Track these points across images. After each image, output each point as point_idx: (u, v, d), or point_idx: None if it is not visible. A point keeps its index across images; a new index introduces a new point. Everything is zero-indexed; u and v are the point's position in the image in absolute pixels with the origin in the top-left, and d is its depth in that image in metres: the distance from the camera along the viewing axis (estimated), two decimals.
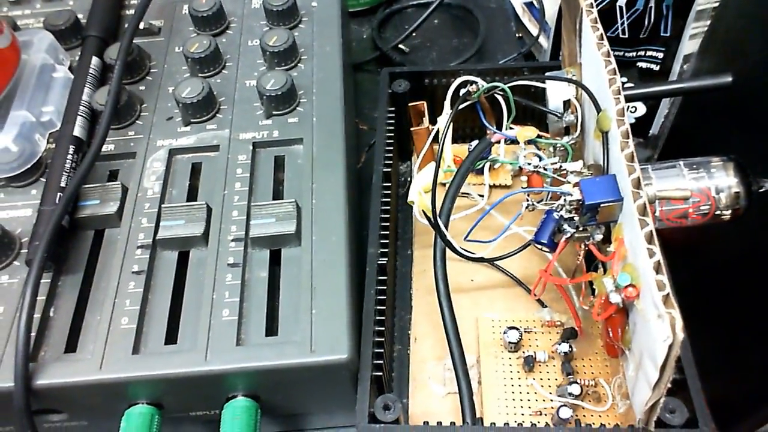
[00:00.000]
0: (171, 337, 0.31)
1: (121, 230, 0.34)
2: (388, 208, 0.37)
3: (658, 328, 0.21)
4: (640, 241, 0.23)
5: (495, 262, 0.37)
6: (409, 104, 0.42)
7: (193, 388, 0.30)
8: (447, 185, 0.36)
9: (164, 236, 0.33)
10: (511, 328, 0.35)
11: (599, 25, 0.30)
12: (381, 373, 0.31)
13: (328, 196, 0.35)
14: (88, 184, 0.35)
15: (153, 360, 0.29)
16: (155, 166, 0.36)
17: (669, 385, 0.23)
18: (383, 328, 0.33)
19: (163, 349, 0.30)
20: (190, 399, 0.31)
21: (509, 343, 0.35)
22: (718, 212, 0.32)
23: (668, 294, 0.21)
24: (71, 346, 0.31)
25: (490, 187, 0.43)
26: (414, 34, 0.57)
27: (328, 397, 0.32)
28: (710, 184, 0.31)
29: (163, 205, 0.34)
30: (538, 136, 0.36)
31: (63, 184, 0.34)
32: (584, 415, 0.32)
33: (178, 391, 0.30)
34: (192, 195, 0.36)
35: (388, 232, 0.36)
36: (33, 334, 0.30)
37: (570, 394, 0.32)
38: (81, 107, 0.38)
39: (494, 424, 0.30)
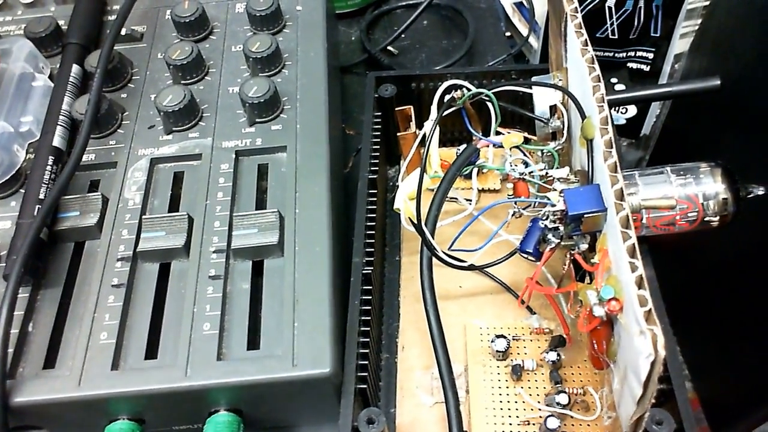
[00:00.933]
0: (151, 352, 0.30)
1: (101, 242, 0.34)
2: (374, 215, 0.37)
3: (641, 344, 0.21)
4: (622, 254, 0.22)
5: (483, 269, 0.37)
6: (396, 109, 0.42)
7: (173, 404, 0.29)
8: (434, 191, 0.36)
9: (145, 248, 0.33)
10: (499, 336, 0.34)
11: (583, 31, 0.29)
12: (365, 386, 0.30)
13: (311, 205, 0.34)
14: (68, 196, 0.35)
15: (132, 376, 0.29)
16: (136, 176, 0.36)
17: (653, 401, 0.22)
18: (368, 340, 0.32)
19: (143, 365, 0.30)
20: (172, 414, 0.31)
21: (497, 351, 0.34)
22: (706, 219, 0.31)
23: (650, 310, 0.20)
24: (50, 362, 0.30)
25: (479, 191, 0.42)
26: (403, 36, 0.56)
27: (312, 410, 0.32)
28: (698, 191, 0.30)
29: (143, 217, 0.34)
30: (525, 141, 0.35)
31: (42, 196, 0.34)
32: (572, 425, 0.32)
33: (158, 407, 0.30)
34: (174, 205, 0.35)
35: (374, 240, 0.36)
36: (11, 350, 0.30)
37: (558, 403, 0.32)
38: (61, 117, 0.37)
39: None
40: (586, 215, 0.26)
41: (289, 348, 0.29)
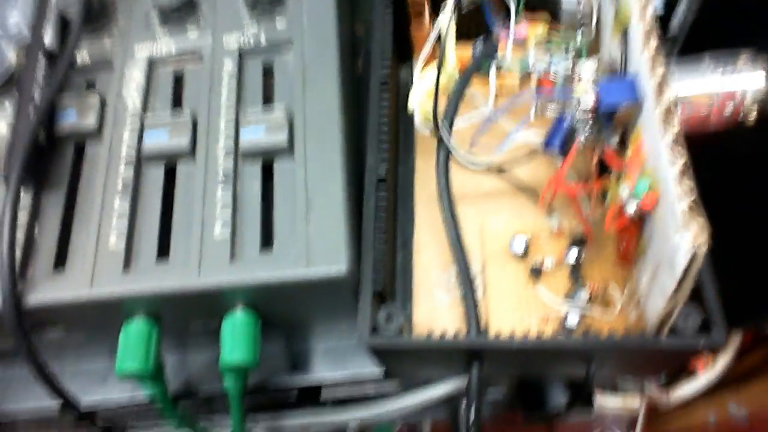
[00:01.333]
0: (162, 254, 0.30)
1: (102, 145, 0.32)
2: (387, 115, 0.35)
3: (680, 239, 0.19)
4: (662, 146, 0.21)
5: (502, 170, 0.36)
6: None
7: (188, 303, 0.29)
8: (450, 90, 0.34)
9: (148, 149, 0.31)
10: (517, 236, 0.34)
11: None
12: (382, 284, 0.30)
13: (321, 104, 0.32)
14: (64, 96, 0.33)
15: (145, 276, 0.28)
16: (135, 76, 0.34)
17: (687, 297, 0.21)
18: (384, 239, 0.31)
19: (155, 266, 0.29)
20: (188, 313, 0.30)
21: (516, 252, 0.33)
22: (743, 114, 0.29)
23: (692, 202, 0.19)
24: (60, 264, 0.30)
25: (497, 91, 0.40)
26: None
27: (329, 309, 0.31)
28: (736, 83, 0.28)
29: (145, 116, 0.32)
30: (550, 31, 0.33)
31: (37, 97, 0.32)
32: (593, 320, 0.32)
33: (173, 307, 0.29)
34: (176, 105, 0.34)
35: (387, 142, 0.34)
36: (18, 253, 0.29)
37: (578, 300, 0.31)
38: (51, 14, 0.35)
39: (499, 334, 0.29)
40: (620, 107, 0.24)
41: (303, 248, 0.28)
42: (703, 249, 0.18)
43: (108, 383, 0.34)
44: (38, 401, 0.33)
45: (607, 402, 0.96)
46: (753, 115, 0.29)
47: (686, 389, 0.86)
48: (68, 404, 0.31)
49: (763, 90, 0.28)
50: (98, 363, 0.34)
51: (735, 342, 0.62)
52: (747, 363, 0.81)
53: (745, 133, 0.30)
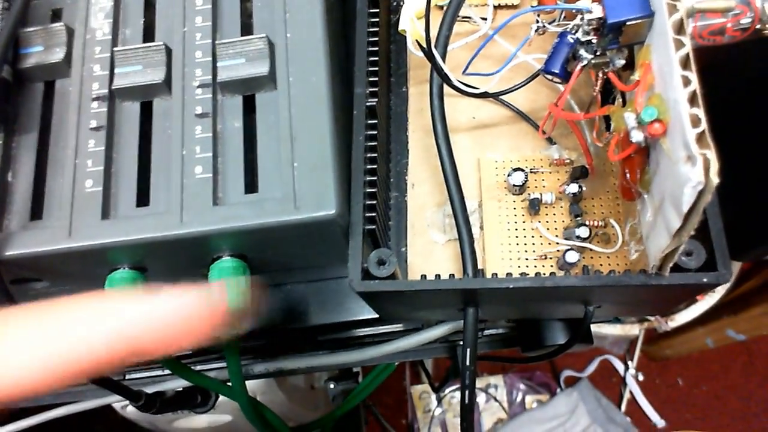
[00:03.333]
0: (142, 199, 0.28)
1: (72, 80, 0.30)
2: (377, 39, 0.32)
3: (688, 171, 0.18)
4: (673, 66, 0.19)
5: (499, 97, 0.33)
6: None
7: (172, 252, 0.28)
8: (444, 8, 0.31)
9: (121, 85, 0.29)
10: (515, 169, 0.32)
11: None
12: (374, 226, 0.28)
13: (304, 28, 0.30)
14: (28, 28, 0.31)
15: (124, 225, 0.27)
16: (101, 2, 0.31)
17: (693, 233, 0.20)
18: (375, 178, 0.30)
19: (135, 212, 0.28)
20: (173, 262, 0.29)
21: (513, 185, 0.32)
22: (760, 26, 0.27)
23: (704, 131, 0.17)
24: (37, 213, 0.28)
25: (495, 7, 0.37)
26: None
27: (319, 252, 0.30)
28: None
29: (115, 49, 0.30)
30: None
31: None
32: (592, 258, 0.30)
33: (157, 255, 0.28)
34: (148, 35, 0.31)
35: (378, 68, 0.32)
36: None
37: (578, 237, 0.30)
38: None
39: (496, 274, 0.28)
40: (628, 22, 0.22)
41: (290, 190, 0.27)
42: (713, 184, 0.17)
43: None
44: None
45: (606, 329, 0.97)
46: None
47: (684, 315, 0.87)
48: None
49: None
50: None
51: (735, 269, 0.61)
52: (744, 288, 0.82)
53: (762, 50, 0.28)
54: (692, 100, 0.18)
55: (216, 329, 0.21)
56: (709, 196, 0.18)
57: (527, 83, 0.30)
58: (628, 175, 0.23)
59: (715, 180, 0.17)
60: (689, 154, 0.18)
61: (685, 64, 0.18)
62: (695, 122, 0.17)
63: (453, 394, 1.09)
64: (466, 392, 0.31)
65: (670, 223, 0.21)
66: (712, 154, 0.17)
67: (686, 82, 0.18)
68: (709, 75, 0.36)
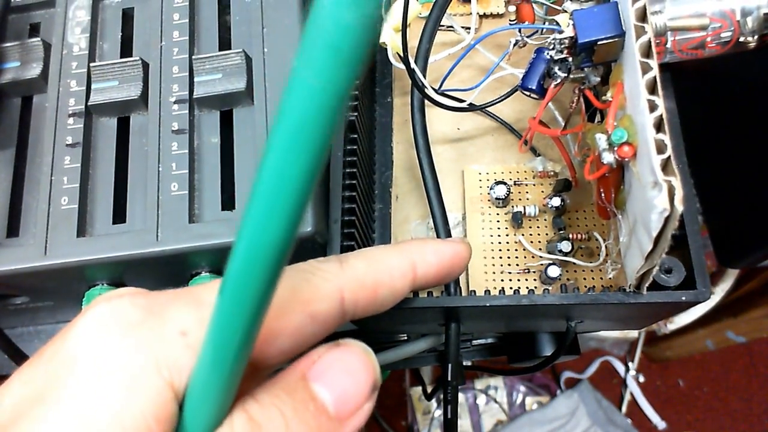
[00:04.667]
0: (119, 216, 0.28)
1: (48, 96, 0.30)
2: None
3: (655, 197, 0.17)
4: (640, 89, 0.18)
5: (483, 109, 0.33)
6: None
7: (150, 269, 0.28)
8: (426, 18, 0.31)
9: (97, 101, 0.29)
10: (498, 183, 0.32)
11: None
12: (353, 242, 0.28)
13: (282, 42, 0.30)
14: (5, 43, 0.30)
15: (101, 242, 0.27)
16: (79, 16, 0.31)
17: (663, 256, 0.20)
18: (354, 193, 0.29)
19: (111, 230, 0.28)
20: (151, 278, 0.29)
21: (497, 198, 0.32)
22: (741, 40, 0.26)
23: (668, 158, 0.17)
24: (13, 230, 0.28)
25: (480, 16, 0.37)
26: None
27: None
28: (734, 5, 0.25)
29: (92, 64, 0.30)
30: None
31: None
32: (575, 271, 0.30)
33: (134, 272, 0.28)
34: (126, 49, 0.31)
35: (359, 82, 0.31)
36: None
37: (560, 251, 0.30)
38: None
39: (474, 292, 0.28)
40: (599, 42, 0.21)
41: None
42: (678, 211, 0.17)
43: None
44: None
45: (606, 331, 0.97)
46: (753, 41, 0.26)
47: (684, 317, 0.86)
48: None
49: (763, 13, 0.25)
50: None
51: (733, 272, 0.61)
52: (744, 291, 0.81)
53: (746, 59, 0.28)
54: (658, 126, 0.18)
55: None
56: (675, 222, 0.17)
57: (507, 97, 0.30)
58: (603, 195, 0.23)
59: (679, 208, 0.17)
60: (655, 180, 0.17)
61: (652, 89, 0.18)
62: (660, 149, 0.17)
63: None
64: (449, 407, 0.30)
65: (643, 245, 0.20)
66: (677, 182, 0.17)
67: (652, 107, 0.18)
68: (707, 79, 0.36)
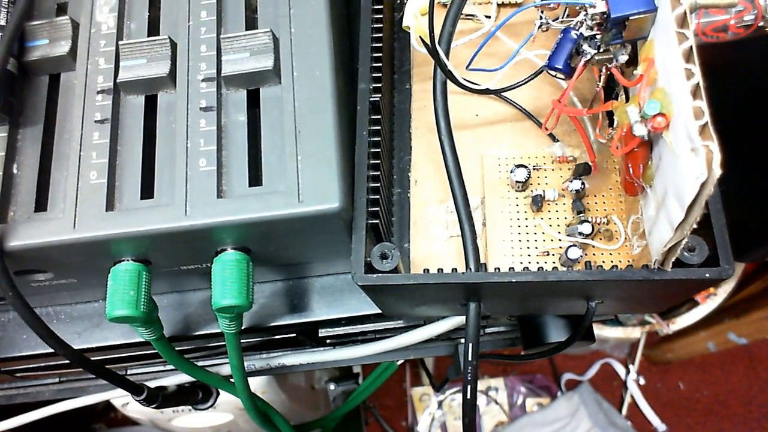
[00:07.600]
0: (146, 191, 0.28)
1: (77, 73, 0.30)
2: (381, 35, 0.32)
3: (691, 163, 0.18)
4: (676, 59, 0.19)
5: (502, 94, 0.34)
6: None
7: (176, 244, 0.28)
8: (447, 5, 0.31)
9: (126, 78, 0.29)
10: (518, 166, 0.32)
11: None
12: (377, 220, 0.29)
13: (308, 23, 0.30)
14: (34, 22, 0.31)
15: (129, 217, 0.27)
16: None
17: (695, 226, 0.20)
18: (378, 173, 0.30)
19: (139, 204, 0.28)
20: (177, 254, 0.29)
21: (516, 182, 0.32)
22: (763, 23, 0.27)
23: (706, 123, 0.17)
24: (41, 204, 0.28)
25: (499, 5, 0.38)
26: None
27: (322, 246, 0.30)
28: None
29: (120, 43, 0.30)
30: None
31: (3, 23, 0.30)
32: (594, 254, 0.31)
33: (161, 248, 0.28)
34: (153, 29, 0.31)
35: (381, 65, 0.32)
36: None
37: (580, 233, 0.30)
38: None
39: (498, 269, 0.28)
40: (631, 17, 0.22)
41: (294, 183, 0.27)
42: (716, 175, 0.17)
43: (103, 327, 0.33)
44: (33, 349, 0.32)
45: (607, 332, 0.97)
46: None
47: (686, 318, 0.87)
48: (61, 349, 0.30)
49: None
50: (94, 306, 0.33)
51: (737, 272, 0.61)
52: (746, 292, 0.81)
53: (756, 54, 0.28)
54: (695, 93, 0.18)
55: None
56: (711, 187, 0.18)
57: (530, 80, 0.30)
58: (631, 170, 0.23)
59: (717, 171, 0.17)
60: (692, 146, 0.18)
61: (688, 57, 0.18)
62: (698, 114, 0.17)
63: (453, 397, 1.08)
64: (468, 387, 0.31)
65: (673, 216, 0.21)
66: (714, 146, 0.17)
67: (689, 75, 0.18)
68: (713, 76, 0.37)
